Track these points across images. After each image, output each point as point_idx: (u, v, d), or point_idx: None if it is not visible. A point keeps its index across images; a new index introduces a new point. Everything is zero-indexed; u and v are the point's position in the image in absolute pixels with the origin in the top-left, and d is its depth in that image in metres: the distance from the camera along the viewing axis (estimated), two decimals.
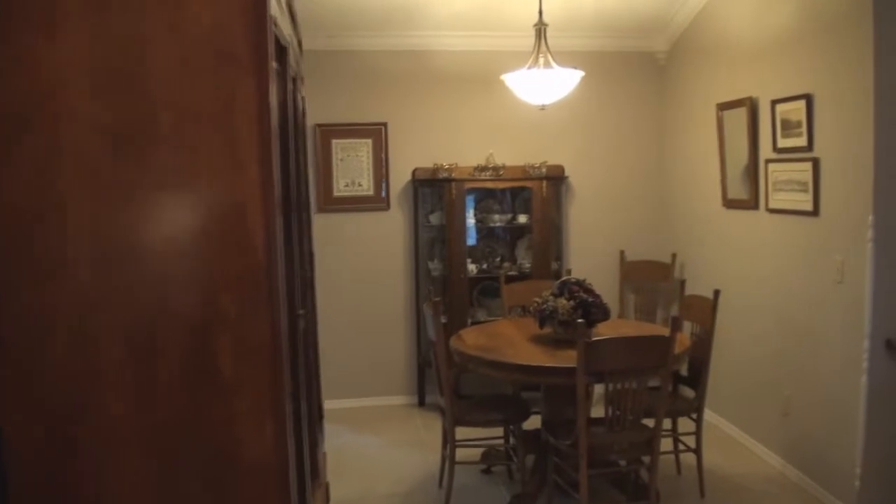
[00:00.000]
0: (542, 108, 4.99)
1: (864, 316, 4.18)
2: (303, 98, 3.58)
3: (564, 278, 4.74)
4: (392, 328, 6.64)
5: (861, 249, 4.18)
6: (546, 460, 4.58)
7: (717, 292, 4.68)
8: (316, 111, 6.38)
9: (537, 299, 4.67)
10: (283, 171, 2.28)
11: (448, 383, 4.51)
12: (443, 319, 6.28)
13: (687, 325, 5.01)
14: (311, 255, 3.73)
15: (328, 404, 6.54)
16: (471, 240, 6.53)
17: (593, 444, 4.01)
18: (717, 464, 5.15)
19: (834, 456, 4.50)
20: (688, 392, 4.91)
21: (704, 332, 4.76)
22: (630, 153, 6.81)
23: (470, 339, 4.74)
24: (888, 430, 4.19)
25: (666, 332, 4.11)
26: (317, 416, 3.38)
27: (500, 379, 4.70)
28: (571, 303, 4.49)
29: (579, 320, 4.01)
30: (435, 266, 6.47)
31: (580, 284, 4.63)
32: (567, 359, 4.10)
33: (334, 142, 6.44)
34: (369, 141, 6.47)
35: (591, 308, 4.48)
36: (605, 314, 4.54)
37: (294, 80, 2.86)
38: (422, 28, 6.30)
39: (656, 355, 3.93)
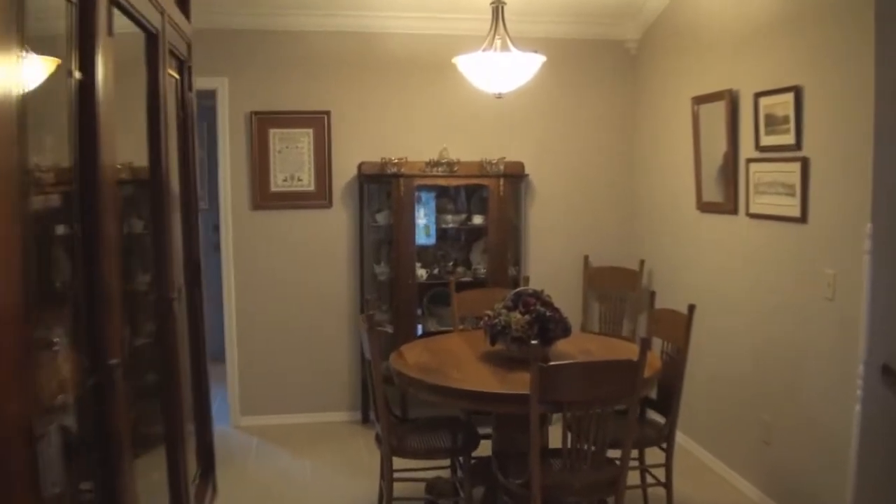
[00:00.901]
0: (499, 96, 4.43)
1: (857, 337, 3.69)
2: (189, 69, 2.93)
3: (519, 289, 4.18)
4: (334, 337, 6.05)
5: (856, 262, 3.71)
6: (496, 494, 4.03)
7: (692, 307, 4.14)
8: (252, 97, 5.80)
9: (489, 312, 4.11)
10: (84, 156, 1.65)
11: (384, 409, 3.93)
12: (389, 329, 5.75)
13: (657, 342, 4.47)
14: (195, 265, 3.08)
15: (261, 420, 5.98)
16: (428, 240, 5.97)
17: (549, 483, 3.45)
18: (688, 494, 4.62)
19: (820, 491, 4.02)
20: (657, 418, 4.37)
21: (677, 352, 4.22)
22: (597, 150, 6.26)
23: (412, 357, 4.16)
24: (883, 464, 3.71)
25: (633, 351, 3.57)
26: (187, 485, 2.69)
27: (445, 405, 4.10)
28: (527, 317, 3.94)
29: (533, 341, 3.44)
30: (381, 270, 5.89)
31: (537, 296, 4.08)
32: (520, 383, 3.54)
33: (272, 131, 5.83)
34: (310, 131, 5.87)
35: (548, 323, 3.93)
36: (564, 330, 4.00)
37: (154, 36, 2.24)
38: (370, 8, 5.71)
39: (623, 383, 3.38)
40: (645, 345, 3.38)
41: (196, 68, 5.78)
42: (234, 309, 5.94)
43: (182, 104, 2.67)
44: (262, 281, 5.94)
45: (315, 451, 5.53)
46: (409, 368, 3.93)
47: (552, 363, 3.25)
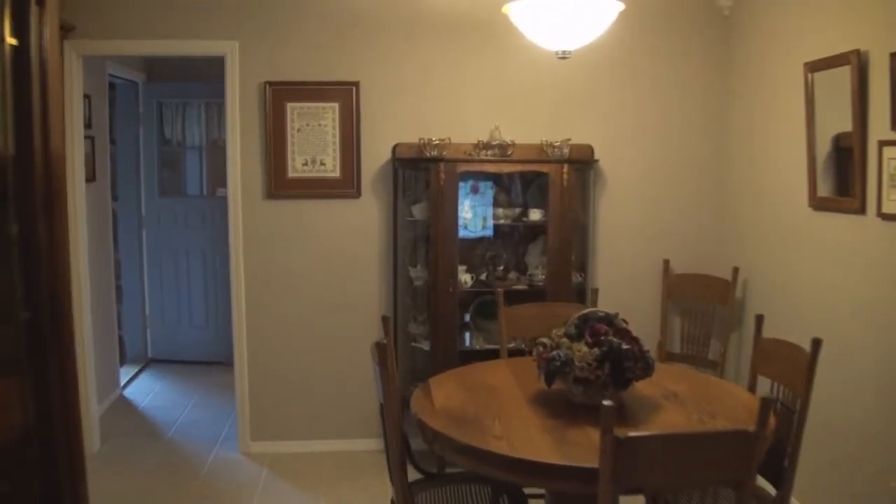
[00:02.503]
0: (563, 55, 3.39)
1: None
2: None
3: (586, 311, 3.16)
4: (362, 351, 5.05)
5: None
6: None
7: (817, 343, 3.08)
8: (267, 65, 4.90)
9: (544, 340, 3.12)
10: None
11: (399, 467, 2.97)
12: (424, 346, 4.79)
13: (763, 383, 3.43)
14: (61, 287, 2.04)
15: (274, 446, 5.11)
16: (485, 231, 4.93)
17: None
18: None
19: None
20: (762, 483, 3.32)
21: (793, 401, 3.17)
22: (682, 131, 5.16)
23: (441, 397, 3.18)
24: None
25: (737, 397, 2.54)
26: None
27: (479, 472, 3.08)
28: (595, 351, 2.94)
29: (606, 403, 2.42)
30: (418, 274, 4.90)
31: (610, 321, 3.07)
32: (584, 448, 2.57)
33: (290, 106, 4.89)
34: (336, 106, 4.91)
35: (624, 361, 2.92)
36: (645, 369, 2.99)
37: None
38: None
39: (732, 460, 2.34)
40: (766, 408, 2.34)
41: (201, 30, 4.89)
42: (245, 316, 5.04)
43: (20, 35, 1.70)
44: (277, 283, 5.03)
45: (332, 488, 4.63)
46: (436, 417, 2.94)
47: (631, 434, 2.23)
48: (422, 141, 4.73)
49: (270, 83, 4.86)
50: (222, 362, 6.80)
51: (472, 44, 4.95)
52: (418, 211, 4.85)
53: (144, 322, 7.23)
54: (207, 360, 7.10)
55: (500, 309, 4.01)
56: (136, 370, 6.98)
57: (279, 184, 4.93)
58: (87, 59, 5.06)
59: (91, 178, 5.60)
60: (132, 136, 7.00)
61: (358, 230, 5.02)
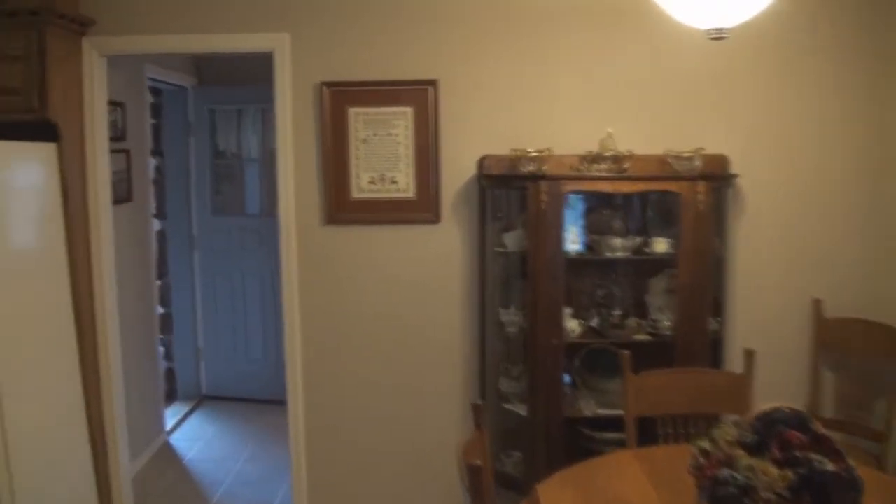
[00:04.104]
0: (718, 35, 2.41)
1: None
2: None
3: (769, 409, 2.18)
4: (440, 413, 4.18)
5: None
6: None
7: None
8: (324, 62, 4.04)
9: (705, 446, 2.17)
10: None
11: None
12: (521, 411, 3.86)
13: None
14: None
15: None
16: (576, 275, 3.97)
17: None
18: None
19: None
20: None
21: None
22: (839, 136, 4.07)
23: None
24: None
25: None
26: None
27: None
28: (789, 475, 1.98)
29: None
30: (511, 318, 3.95)
31: (804, 425, 2.11)
32: None
33: (353, 112, 4.01)
34: (409, 111, 4.01)
35: (831, 491, 1.96)
36: (855, 499, 2.02)
37: None
38: None
39: None
40: None
41: (244, 21, 4.06)
42: (300, 365, 4.18)
43: None
44: (339, 326, 4.16)
45: None
46: None
47: None
48: (515, 153, 3.80)
49: (328, 84, 3.99)
50: (283, 401, 5.98)
51: (579, 32, 3.98)
52: (511, 240, 3.90)
53: (198, 354, 6.46)
54: (266, 399, 6.29)
55: (625, 377, 3.05)
56: (187, 409, 6.21)
57: (341, 206, 4.06)
58: (118, 60, 4.28)
59: (126, 197, 4.84)
60: (182, 147, 6.23)
61: (437, 263, 4.11)
